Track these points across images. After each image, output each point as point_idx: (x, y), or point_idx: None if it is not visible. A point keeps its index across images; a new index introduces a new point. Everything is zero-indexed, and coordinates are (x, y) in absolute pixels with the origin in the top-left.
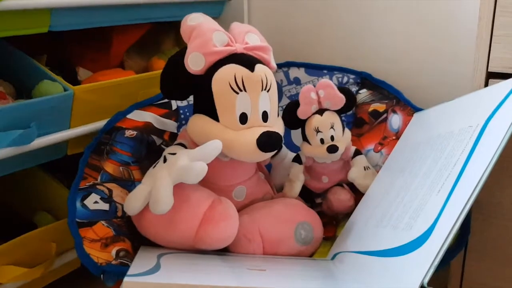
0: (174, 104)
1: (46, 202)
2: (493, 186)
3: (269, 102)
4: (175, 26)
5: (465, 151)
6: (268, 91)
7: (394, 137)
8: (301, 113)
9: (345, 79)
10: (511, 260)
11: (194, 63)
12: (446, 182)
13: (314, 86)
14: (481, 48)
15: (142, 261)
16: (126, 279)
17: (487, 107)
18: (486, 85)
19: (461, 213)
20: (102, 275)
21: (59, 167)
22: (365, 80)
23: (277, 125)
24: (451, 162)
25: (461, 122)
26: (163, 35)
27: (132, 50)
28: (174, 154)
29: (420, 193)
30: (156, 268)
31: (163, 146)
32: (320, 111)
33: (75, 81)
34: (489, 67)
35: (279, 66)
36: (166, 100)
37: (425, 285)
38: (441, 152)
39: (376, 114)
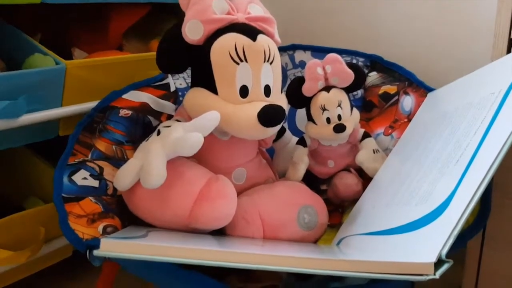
0: (173, 85)
1: (38, 188)
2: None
3: (272, 75)
4: (176, 10)
5: (486, 118)
6: (271, 63)
7: (405, 120)
8: (307, 89)
9: (354, 62)
10: None
11: (192, 31)
12: (465, 151)
13: None
14: (503, 12)
15: (129, 231)
16: (104, 239)
17: (510, 72)
18: (509, 52)
19: (483, 179)
20: (88, 254)
21: (52, 152)
22: (375, 62)
23: (280, 101)
24: (470, 131)
25: (481, 91)
26: (163, 19)
27: (131, 34)
28: (169, 126)
29: (436, 167)
30: (142, 236)
31: None
32: (327, 88)
33: None
34: None
35: (285, 49)
36: (164, 82)
37: (443, 257)
38: (459, 123)
39: (386, 96)
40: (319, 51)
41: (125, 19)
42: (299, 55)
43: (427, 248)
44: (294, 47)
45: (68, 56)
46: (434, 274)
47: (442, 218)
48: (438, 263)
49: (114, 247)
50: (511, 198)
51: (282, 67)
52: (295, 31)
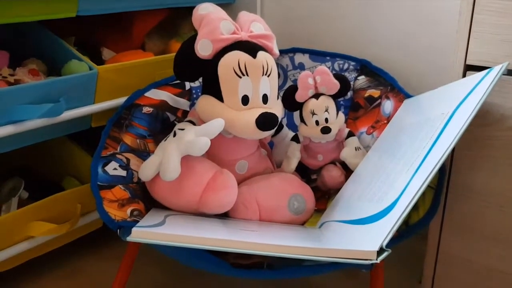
0: (188, 84)
1: (73, 169)
2: (467, 170)
3: (269, 86)
4: (191, 12)
5: (434, 135)
6: (268, 76)
7: (385, 121)
8: (299, 96)
9: (346, 65)
10: (481, 235)
11: (203, 48)
12: (415, 163)
13: None
14: (460, 42)
15: (151, 218)
16: (134, 229)
17: (459, 96)
18: (464, 76)
19: (418, 190)
20: (118, 231)
21: (85, 138)
22: (364, 67)
23: (276, 107)
24: (422, 145)
25: (437, 109)
26: (181, 19)
27: (153, 33)
28: (182, 129)
29: (394, 172)
30: (161, 223)
31: (176, 122)
32: (316, 95)
33: (100, 61)
34: (467, 60)
35: (286, 51)
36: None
37: (384, 247)
38: (417, 136)
39: (371, 99)
40: (316, 54)
41: (146, 23)
42: (299, 58)
43: (374, 239)
44: (294, 50)
45: (98, 54)
46: (376, 260)
47: (388, 217)
48: (381, 251)
49: (141, 235)
50: (466, 195)
51: (283, 68)
52: (296, 36)
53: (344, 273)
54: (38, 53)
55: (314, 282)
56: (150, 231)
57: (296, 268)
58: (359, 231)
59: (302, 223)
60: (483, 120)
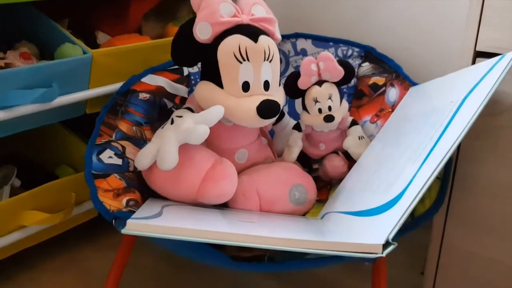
0: (186, 70)
1: (67, 157)
2: (473, 161)
3: (271, 72)
4: None
5: (442, 124)
6: (270, 61)
7: (390, 110)
8: (301, 83)
9: (350, 51)
10: (486, 227)
11: (202, 32)
12: (422, 153)
13: None
14: (470, 27)
15: (147, 208)
16: (129, 220)
17: (468, 83)
18: (474, 63)
19: (426, 182)
20: (114, 221)
21: (79, 125)
22: (368, 53)
23: (277, 94)
24: (429, 135)
25: (445, 97)
26: (179, 2)
27: (149, 16)
28: (181, 117)
29: (400, 162)
30: (158, 215)
31: (173, 109)
32: (320, 82)
33: (94, 44)
34: (477, 46)
35: (288, 37)
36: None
37: (390, 240)
38: (424, 125)
39: (375, 87)
40: (319, 40)
41: (143, 5)
42: (301, 43)
43: (379, 232)
44: (297, 36)
45: (92, 38)
46: (382, 253)
47: (394, 209)
48: (387, 245)
49: (137, 227)
50: (472, 188)
51: (285, 54)
52: (298, 21)
53: (347, 265)
54: (30, 36)
55: (316, 274)
56: (146, 223)
57: (298, 261)
58: (363, 223)
59: (303, 214)
60: (492, 109)
